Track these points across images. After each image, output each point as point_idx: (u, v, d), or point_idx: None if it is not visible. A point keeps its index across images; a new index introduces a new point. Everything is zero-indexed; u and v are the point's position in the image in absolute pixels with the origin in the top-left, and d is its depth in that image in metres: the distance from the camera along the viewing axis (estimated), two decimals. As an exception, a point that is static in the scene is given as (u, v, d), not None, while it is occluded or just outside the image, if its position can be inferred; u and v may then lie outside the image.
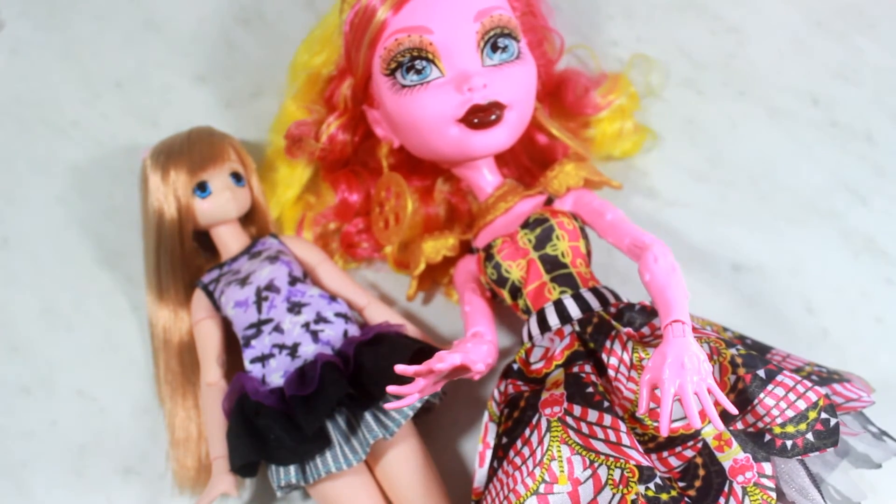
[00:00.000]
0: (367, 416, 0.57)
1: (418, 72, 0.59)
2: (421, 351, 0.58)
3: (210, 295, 0.64)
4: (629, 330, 0.53)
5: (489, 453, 0.57)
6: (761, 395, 0.48)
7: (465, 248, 0.66)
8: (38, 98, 0.76)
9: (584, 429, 0.50)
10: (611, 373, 0.52)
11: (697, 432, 0.49)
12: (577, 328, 0.55)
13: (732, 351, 0.50)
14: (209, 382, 0.62)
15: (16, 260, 0.71)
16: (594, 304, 0.56)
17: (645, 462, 0.47)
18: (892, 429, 0.53)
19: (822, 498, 0.48)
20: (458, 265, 0.65)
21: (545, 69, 0.67)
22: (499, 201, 0.63)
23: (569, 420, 0.50)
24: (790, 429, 0.47)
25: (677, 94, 0.74)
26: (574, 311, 0.56)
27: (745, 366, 0.49)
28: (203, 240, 0.67)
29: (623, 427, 0.49)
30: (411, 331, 0.64)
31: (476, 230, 0.64)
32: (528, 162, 0.69)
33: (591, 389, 0.51)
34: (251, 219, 0.69)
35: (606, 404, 0.50)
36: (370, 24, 0.59)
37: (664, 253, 0.53)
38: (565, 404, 0.51)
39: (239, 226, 0.67)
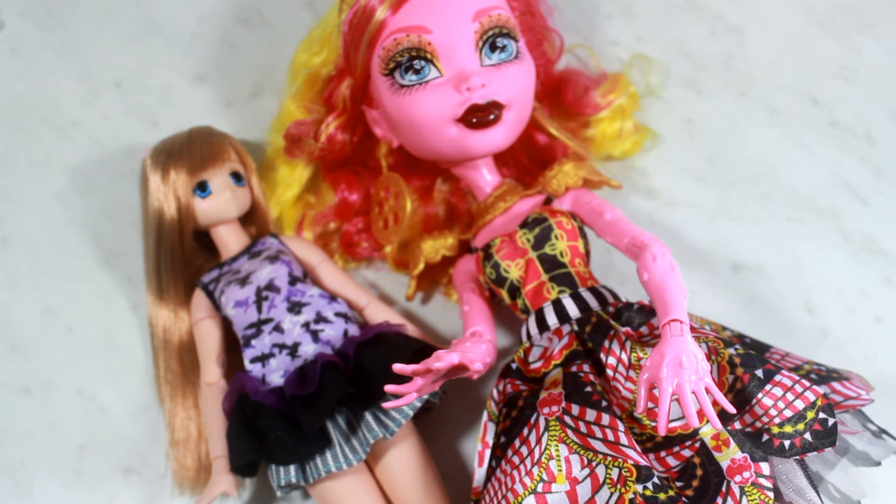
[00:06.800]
0: (368, 416, 0.57)
1: (417, 72, 0.59)
2: (420, 350, 0.58)
3: (210, 294, 0.64)
4: (627, 329, 0.53)
5: (488, 453, 0.57)
6: (759, 395, 0.48)
7: (464, 248, 0.66)
8: (38, 98, 0.76)
9: (583, 428, 0.50)
10: (609, 372, 0.52)
11: (695, 432, 0.49)
12: (575, 328, 0.55)
13: (731, 350, 0.50)
14: (209, 382, 0.62)
15: (16, 260, 0.72)
16: (593, 303, 0.56)
17: (643, 461, 0.47)
18: (891, 427, 0.53)
19: (820, 498, 0.48)
20: (457, 265, 0.65)
21: (544, 69, 0.67)
22: (498, 201, 0.63)
23: (567, 419, 0.50)
24: (788, 429, 0.47)
25: (677, 94, 0.74)
26: (573, 310, 0.56)
27: (744, 365, 0.49)
28: (203, 240, 0.67)
29: (621, 426, 0.49)
30: (411, 330, 0.64)
31: (475, 230, 0.64)
32: (527, 161, 0.69)
33: (589, 389, 0.51)
34: (251, 218, 0.69)
35: (604, 403, 0.50)
36: (369, 23, 0.59)
37: (662, 252, 0.53)
38: (563, 403, 0.51)
39: (239, 226, 0.67)
